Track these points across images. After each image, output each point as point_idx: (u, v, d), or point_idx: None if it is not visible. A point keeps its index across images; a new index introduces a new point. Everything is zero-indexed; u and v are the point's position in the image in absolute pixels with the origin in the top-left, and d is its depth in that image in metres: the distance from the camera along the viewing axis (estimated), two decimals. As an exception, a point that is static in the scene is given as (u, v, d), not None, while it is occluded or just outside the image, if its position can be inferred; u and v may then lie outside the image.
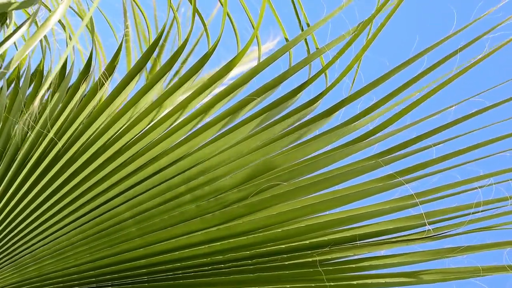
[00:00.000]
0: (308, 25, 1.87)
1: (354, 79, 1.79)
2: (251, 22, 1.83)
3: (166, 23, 1.88)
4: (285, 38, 1.90)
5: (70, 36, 1.90)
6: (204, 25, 1.90)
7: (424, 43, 1.76)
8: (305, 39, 1.88)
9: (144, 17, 1.93)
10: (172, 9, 1.85)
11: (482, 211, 1.64)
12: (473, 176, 1.66)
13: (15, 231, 1.75)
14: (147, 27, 1.93)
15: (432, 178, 1.72)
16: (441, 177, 1.72)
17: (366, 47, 1.73)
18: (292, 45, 1.86)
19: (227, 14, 1.85)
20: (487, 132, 1.71)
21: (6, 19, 1.73)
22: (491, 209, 1.64)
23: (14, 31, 1.58)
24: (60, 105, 1.84)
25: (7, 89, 1.91)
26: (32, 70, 1.94)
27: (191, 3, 1.83)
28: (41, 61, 1.90)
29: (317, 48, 1.87)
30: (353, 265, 1.70)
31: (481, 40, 1.74)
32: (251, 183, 1.75)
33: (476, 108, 1.73)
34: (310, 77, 1.85)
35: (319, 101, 1.83)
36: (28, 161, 1.79)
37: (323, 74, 1.84)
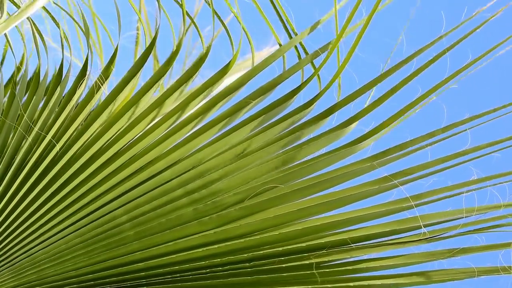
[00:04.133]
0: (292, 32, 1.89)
1: (338, 83, 1.81)
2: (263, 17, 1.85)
3: (158, 26, 1.89)
4: (278, 43, 1.92)
5: (66, 37, 1.91)
6: (197, 29, 1.92)
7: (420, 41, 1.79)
8: (295, 45, 1.91)
9: (143, 19, 1.93)
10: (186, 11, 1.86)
11: (476, 214, 1.66)
12: (467, 180, 1.69)
13: (13, 235, 1.76)
14: (144, 30, 1.93)
15: (427, 181, 1.74)
16: (436, 179, 1.74)
17: (353, 49, 1.75)
18: (285, 49, 1.89)
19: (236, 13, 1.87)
20: (484, 130, 1.74)
21: None
22: (487, 212, 1.66)
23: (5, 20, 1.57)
24: (57, 108, 1.84)
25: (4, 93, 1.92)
26: (30, 72, 1.95)
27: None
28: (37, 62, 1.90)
29: (306, 52, 1.90)
30: (350, 267, 1.72)
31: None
32: (247, 186, 1.77)
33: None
34: (303, 81, 1.88)
35: (314, 104, 1.85)
36: (26, 164, 1.79)
37: (319, 75, 1.86)
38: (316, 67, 1.87)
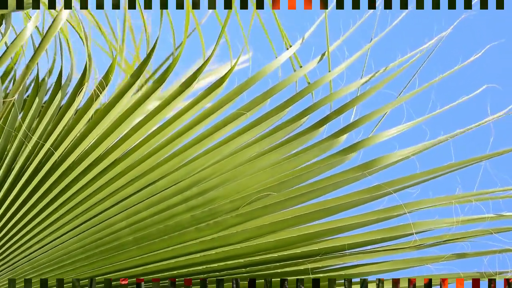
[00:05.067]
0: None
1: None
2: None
3: (159, 36, 1.93)
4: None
5: (67, 45, 1.94)
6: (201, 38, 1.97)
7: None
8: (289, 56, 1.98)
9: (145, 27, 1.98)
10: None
11: (462, 223, 1.75)
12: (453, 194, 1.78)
13: (13, 240, 1.78)
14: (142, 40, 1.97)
15: (415, 190, 1.82)
16: (424, 188, 1.83)
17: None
18: (279, 61, 1.96)
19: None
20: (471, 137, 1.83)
21: (2, 23, 1.75)
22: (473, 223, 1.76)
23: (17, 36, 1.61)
24: (56, 116, 1.88)
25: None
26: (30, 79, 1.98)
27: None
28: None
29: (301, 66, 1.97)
30: (343, 272, 1.79)
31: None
32: (243, 194, 1.83)
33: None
34: (297, 92, 1.95)
35: (307, 116, 1.91)
36: (26, 171, 1.82)
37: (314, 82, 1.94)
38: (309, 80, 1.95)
